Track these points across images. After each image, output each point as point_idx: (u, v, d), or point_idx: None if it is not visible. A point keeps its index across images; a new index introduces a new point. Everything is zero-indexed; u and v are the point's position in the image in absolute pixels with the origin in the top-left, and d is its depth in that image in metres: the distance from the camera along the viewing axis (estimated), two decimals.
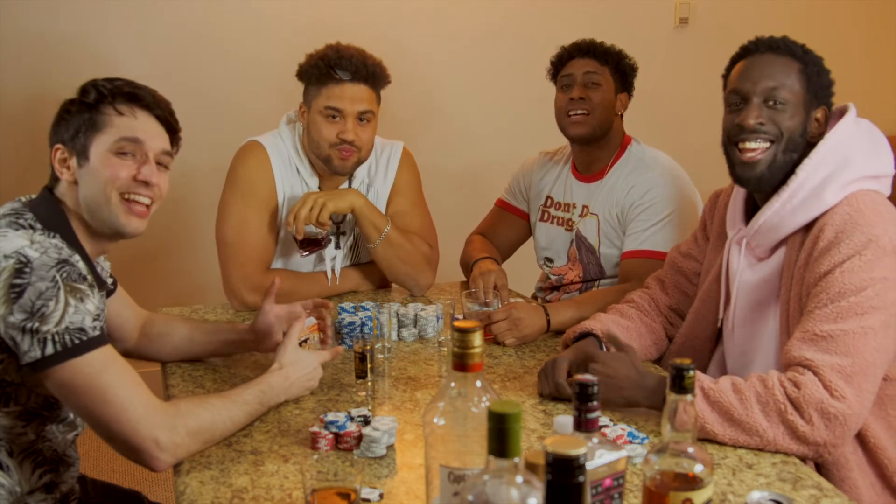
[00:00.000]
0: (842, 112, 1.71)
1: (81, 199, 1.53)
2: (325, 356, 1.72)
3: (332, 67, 2.17)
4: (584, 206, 2.40)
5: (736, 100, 1.70)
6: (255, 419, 1.56)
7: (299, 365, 1.64)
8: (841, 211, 1.58)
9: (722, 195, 1.92)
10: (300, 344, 1.69)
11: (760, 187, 1.69)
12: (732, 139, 1.69)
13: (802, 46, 1.70)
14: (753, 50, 1.71)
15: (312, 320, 1.80)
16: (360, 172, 2.35)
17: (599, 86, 2.30)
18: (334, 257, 2.32)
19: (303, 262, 2.35)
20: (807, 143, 1.68)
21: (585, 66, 2.31)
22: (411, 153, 2.45)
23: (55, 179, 1.56)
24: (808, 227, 1.64)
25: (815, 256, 1.58)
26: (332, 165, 2.23)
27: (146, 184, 1.54)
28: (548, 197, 2.51)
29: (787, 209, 1.64)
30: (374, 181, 2.37)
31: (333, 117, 2.19)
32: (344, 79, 2.17)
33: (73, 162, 1.53)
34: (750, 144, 1.66)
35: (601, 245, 2.36)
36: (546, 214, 2.51)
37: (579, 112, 2.29)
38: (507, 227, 2.61)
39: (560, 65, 2.38)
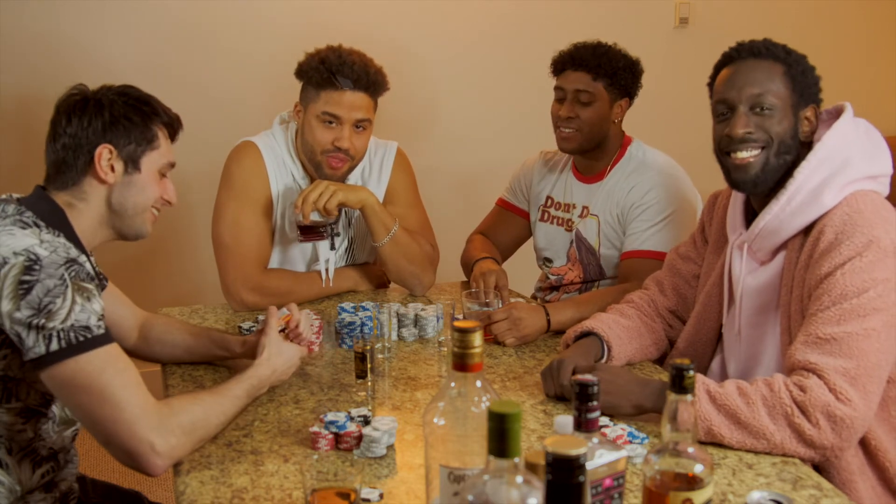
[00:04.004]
0: (838, 112, 1.69)
1: (114, 202, 1.57)
2: (304, 351, 1.75)
3: (334, 74, 2.15)
4: (585, 207, 2.39)
5: (723, 109, 1.69)
6: (243, 411, 1.56)
7: (284, 356, 1.67)
8: (840, 212, 1.57)
9: (720, 197, 1.91)
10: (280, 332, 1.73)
11: (757, 189, 1.68)
12: (723, 149, 1.69)
13: (784, 47, 1.69)
14: (735, 57, 1.70)
15: (284, 311, 1.81)
16: (353, 174, 2.34)
17: (590, 103, 2.27)
18: (328, 259, 2.32)
19: (299, 262, 2.35)
20: (801, 144, 1.67)
21: (577, 81, 2.27)
22: (405, 154, 2.44)
23: (74, 174, 1.55)
24: (808, 229, 1.63)
25: (816, 258, 1.57)
26: (321, 173, 2.23)
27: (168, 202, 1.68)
28: (548, 197, 2.51)
29: (786, 212, 1.63)
30: (368, 182, 2.36)
31: (330, 122, 2.18)
32: (345, 87, 2.16)
33: (119, 166, 1.57)
34: (741, 154, 1.65)
35: (601, 246, 2.36)
36: (546, 214, 2.51)
37: (567, 129, 2.29)
38: (507, 226, 2.61)
39: (556, 71, 2.36)
